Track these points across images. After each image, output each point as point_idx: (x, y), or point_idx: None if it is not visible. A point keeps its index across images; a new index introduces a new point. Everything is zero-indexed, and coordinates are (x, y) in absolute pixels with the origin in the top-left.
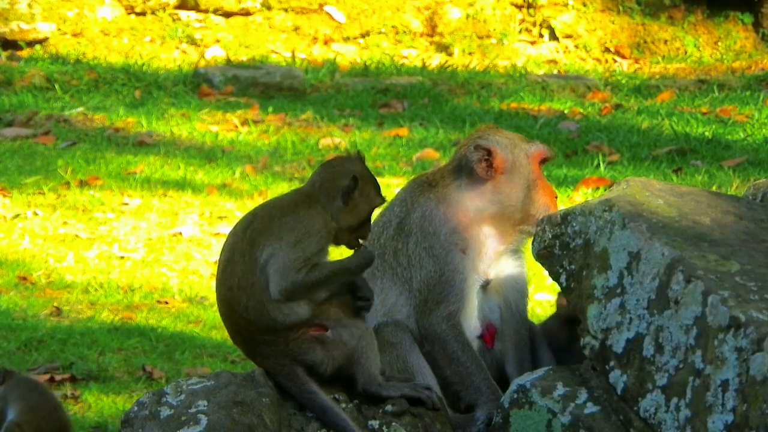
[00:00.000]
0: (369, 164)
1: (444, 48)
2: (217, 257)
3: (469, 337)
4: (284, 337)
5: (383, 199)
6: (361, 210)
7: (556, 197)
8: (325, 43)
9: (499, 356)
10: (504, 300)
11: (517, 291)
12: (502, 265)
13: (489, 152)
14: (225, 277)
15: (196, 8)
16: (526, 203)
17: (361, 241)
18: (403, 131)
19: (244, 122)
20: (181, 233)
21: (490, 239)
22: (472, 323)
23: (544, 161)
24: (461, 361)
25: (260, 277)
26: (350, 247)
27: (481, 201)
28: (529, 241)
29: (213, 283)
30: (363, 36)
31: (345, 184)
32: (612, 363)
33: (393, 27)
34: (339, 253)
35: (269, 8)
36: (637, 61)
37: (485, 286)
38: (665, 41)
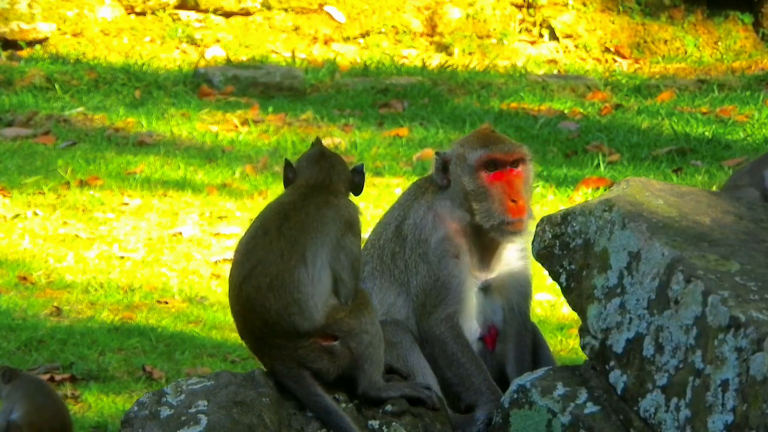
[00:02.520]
0: (369, 164)
1: (444, 48)
2: (218, 257)
3: (469, 338)
4: (295, 343)
5: None
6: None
7: (515, 201)
8: (325, 43)
9: (501, 357)
10: (506, 301)
11: (519, 292)
12: (504, 266)
13: (445, 161)
14: (254, 275)
15: (196, 8)
16: (474, 213)
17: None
18: (403, 131)
19: (244, 122)
20: (181, 233)
21: (481, 244)
22: (472, 325)
23: (492, 165)
24: (461, 362)
25: (302, 277)
26: None
27: (458, 208)
28: (530, 240)
29: (213, 283)
30: (363, 36)
31: (359, 177)
32: (612, 363)
33: (393, 27)
34: None
35: (269, 8)
36: (637, 61)
37: (487, 287)
38: (665, 41)
